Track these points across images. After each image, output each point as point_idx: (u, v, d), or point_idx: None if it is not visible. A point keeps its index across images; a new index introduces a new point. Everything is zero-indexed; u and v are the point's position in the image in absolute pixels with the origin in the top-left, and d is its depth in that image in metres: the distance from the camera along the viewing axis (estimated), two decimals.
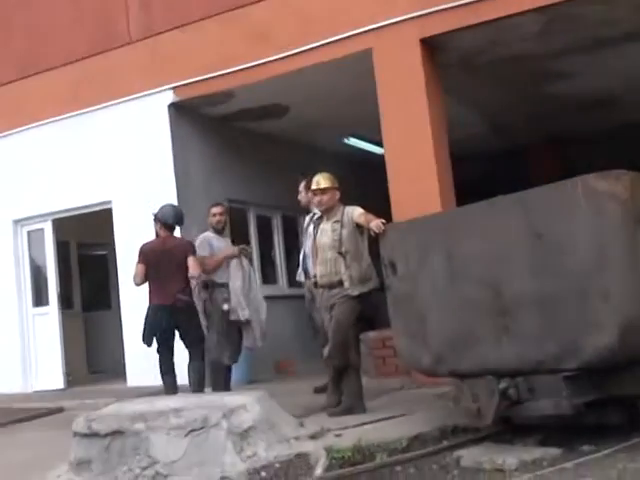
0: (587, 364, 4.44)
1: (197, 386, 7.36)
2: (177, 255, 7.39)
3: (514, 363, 4.69)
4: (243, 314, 7.68)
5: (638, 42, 8.92)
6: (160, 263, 7.35)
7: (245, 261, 8.00)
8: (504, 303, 4.70)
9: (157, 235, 7.68)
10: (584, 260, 4.40)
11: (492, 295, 4.75)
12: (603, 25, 8.26)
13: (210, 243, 7.79)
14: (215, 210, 8.00)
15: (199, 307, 7.59)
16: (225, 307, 7.61)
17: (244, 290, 7.79)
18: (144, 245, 7.60)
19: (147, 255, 7.46)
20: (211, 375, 7.65)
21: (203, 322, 7.59)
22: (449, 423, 5.41)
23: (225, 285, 7.72)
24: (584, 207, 4.42)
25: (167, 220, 7.55)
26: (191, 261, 7.37)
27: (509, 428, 5.16)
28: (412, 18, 8.09)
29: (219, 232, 7.96)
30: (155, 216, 7.65)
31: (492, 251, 4.81)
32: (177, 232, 8.30)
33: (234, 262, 7.83)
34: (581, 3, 7.63)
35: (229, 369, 7.75)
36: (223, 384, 7.55)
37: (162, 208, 7.67)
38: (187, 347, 7.48)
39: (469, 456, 4.80)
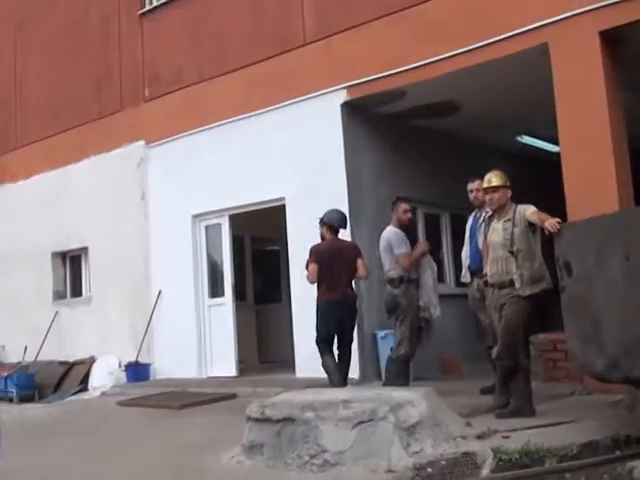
0: None
1: (344, 380, 7.73)
2: (347, 255, 7.91)
3: None
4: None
5: None
6: (332, 262, 7.80)
7: (431, 258, 8.17)
8: None
9: (322, 238, 8.11)
10: None
11: None
12: None
13: (405, 240, 7.95)
14: (406, 207, 8.17)
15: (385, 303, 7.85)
16: (421, 303, 7.79)
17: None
18: (315, 246, 8.03)
19: (320, 255, 7.91)
20: (397, 369, 7.74)
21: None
22: (622, 432, 5.17)
23: (415, 281, 7.88)
24: None
25: (333, 223, 8.05)
26: (360, 263, 7.90)
27: None
28: (591, 10, 7.76)
29: (403, 230, 8.09)
30: (321, 220, 8.12)
31: None
32: (347, 232, 8.58)
33: (425, 259, 8.02)
34: None
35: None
36: (406, 378, 7.72)
37: (328, 212, 8.12)
38: (341, 340, 7.94)
39: None
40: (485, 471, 4.69)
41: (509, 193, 6.53)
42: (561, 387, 7.32)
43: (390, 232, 7.98)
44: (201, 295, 11.26)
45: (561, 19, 7.97)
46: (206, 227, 11.41)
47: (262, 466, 5.21)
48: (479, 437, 5.23)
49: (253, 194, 10.57)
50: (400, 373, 7.70)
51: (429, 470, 4.66)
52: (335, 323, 7.84)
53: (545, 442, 5.01)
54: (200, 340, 11.14)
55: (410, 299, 7.77)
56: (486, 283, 6.62)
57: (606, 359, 4.96)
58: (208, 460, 5.64)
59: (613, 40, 7.91)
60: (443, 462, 4.72)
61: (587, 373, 5.60)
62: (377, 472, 4.73)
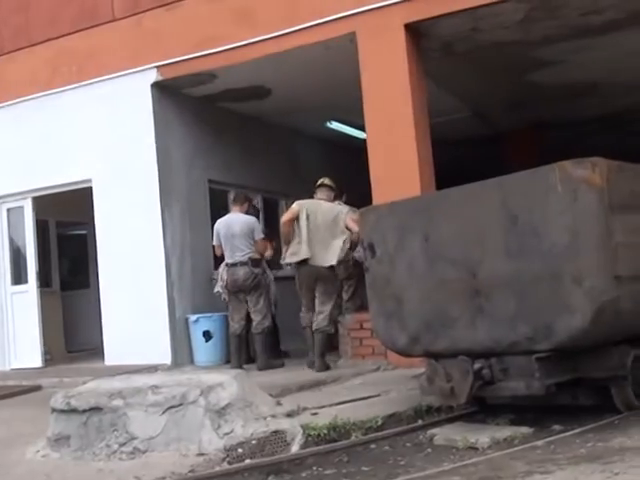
0: (559, 346, 4.53)
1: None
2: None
3: (488, 344, 4.77)
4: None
5: (620, 30, 8.91)
6: None
7: None
8: (479, 285, 4.78)
9: None
10: (558, 244, 4.48)
11: (467, 277, 4.84)
12: (586, 13, 8.28)
13: None
14: None
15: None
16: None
17: None
18: None
19: None
20: (267, 342, 8.36)
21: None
22: (423, 403, 5.50)
23: None
24: (560, 193, 4.49)
25: None
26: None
27: (482, 408, 5.26)
28: (397, 3, 8.08)
29: None
30: None
31: (469, 234, 4.88)
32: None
33: None
34: None
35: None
36: (278, 345, 8.89)
37: None
38: None
39: (442, 434, 4.89)
40: (295, 447, 4.80)
41: None
42: (367, 364, 7.63)
43: (251, 219, 8.53)
44: (2, 282, 10.65)
45: (369, 9, 8.23)
46: (7, 210, 10.79)
47: (69, 458, 5.03)
48: (289, 415, 5.34)
49: (58, 175, 10.09)
50: (271, 344, 8.36)
51: (240, 450, 4.70)
52: None
53: (352, 416, 5.22)
54: (2, 330, 10.54)
55: (266, 277, 8.51)
56: None
57: (408, 335, 5.24)
58: (11, 456, 5.35)
59: (417, 33, 8.30)
60: (253, 442, 4.77)
61: (390, 348, 5.88)
62: (188, 456, 4.70)
